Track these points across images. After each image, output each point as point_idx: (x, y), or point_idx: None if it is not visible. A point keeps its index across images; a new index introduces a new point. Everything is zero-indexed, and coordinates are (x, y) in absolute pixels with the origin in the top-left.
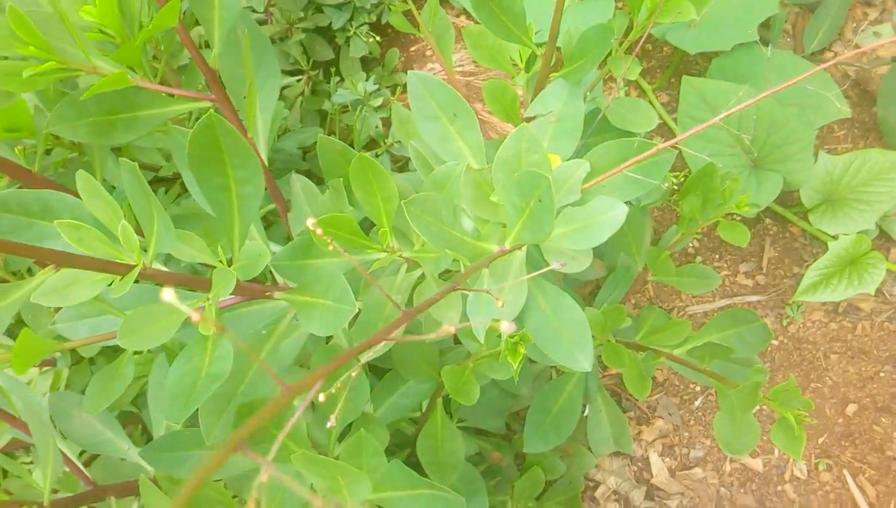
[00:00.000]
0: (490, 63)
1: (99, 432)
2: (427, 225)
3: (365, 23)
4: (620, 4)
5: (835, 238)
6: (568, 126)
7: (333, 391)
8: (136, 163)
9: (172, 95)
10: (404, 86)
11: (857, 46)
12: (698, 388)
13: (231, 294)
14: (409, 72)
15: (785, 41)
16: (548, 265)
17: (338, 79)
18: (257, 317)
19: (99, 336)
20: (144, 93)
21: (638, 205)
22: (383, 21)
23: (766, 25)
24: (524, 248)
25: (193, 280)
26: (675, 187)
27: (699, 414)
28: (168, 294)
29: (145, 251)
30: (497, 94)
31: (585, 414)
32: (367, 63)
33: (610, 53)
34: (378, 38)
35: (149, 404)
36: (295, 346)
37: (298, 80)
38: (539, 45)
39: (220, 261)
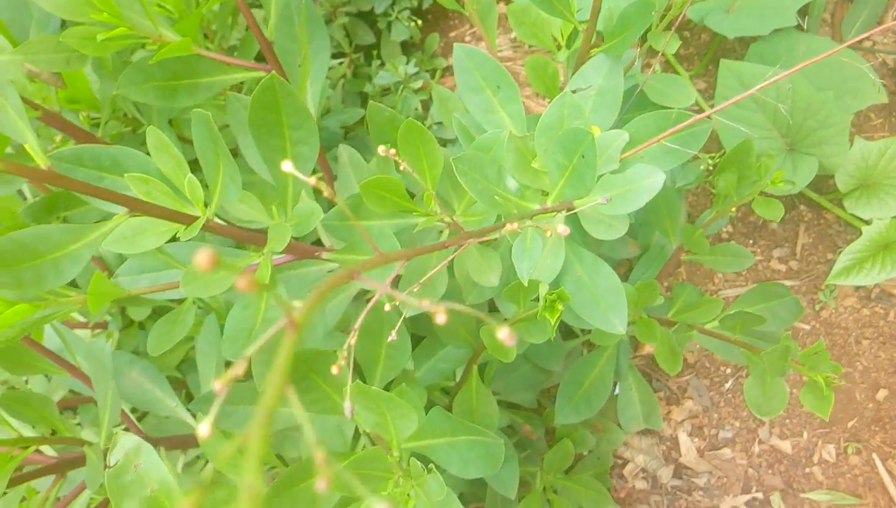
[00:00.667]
0: (532, 39)
1: (148, 390)
2: (474, 181)
3: (406, 8)
4: None
5: (869, 224)
6: (608, 99)
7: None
8: (209, 113)
9: (229, 65)
10: (444, 70)
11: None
12: (729, 370)
13: (283, 252)
14: (455, 45)
15: (823, 30)
16: (585, 234)
17: (379, 62)
18: (304, 279)
19: (160, 285)
20: (205, 62)
21: (673, 185)
22: (424, 6)
23: (804, 13)
24: (563, 212)
25: (250, 235)
26: (711, 168)
27: (729, 395)
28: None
29: (207, 205)
30: (538, 69)
31: (616, 393)
32: (407, 48)
33: (650, 29)
34: (419, 22)
35: (198, 362)
36: (339, 309)
37: (341, 63)
38: (580, 23)
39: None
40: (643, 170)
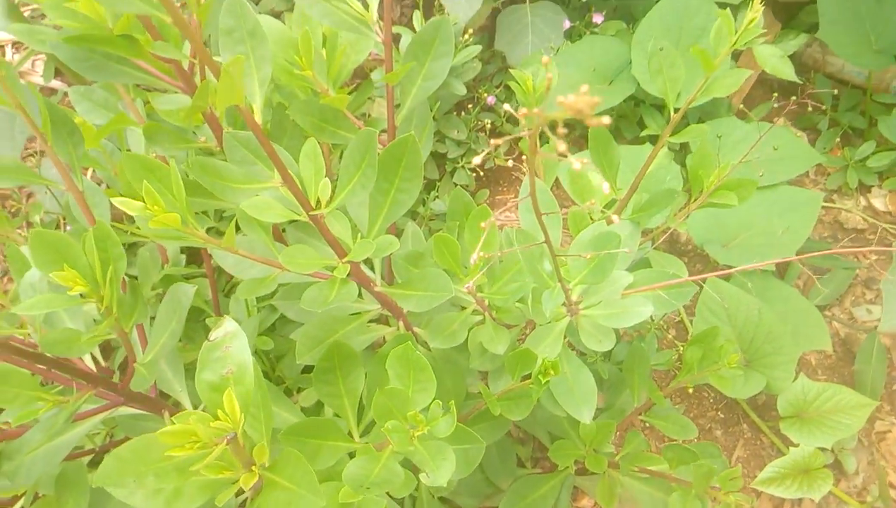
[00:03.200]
0: (578, 197)
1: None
2: (523, 252)
3: (471, 161)
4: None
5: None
6: (622, 254)
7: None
8: (375, 132)
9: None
10: None
11: (851, 314)
12: None
13: (349, 275)
14: (527, 175)
15: (796, 283)
16: (580, 340)
17: (436, 193)
18: (347, 308)
19: (259, 257)
20: (345, 120)
21: (649, 359)
22: (487, 165)
23: (783, 267)
24: (567, 318)
25: (339, 245)
26: (679, 355)
27: None
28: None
29: (329, 204)
30: (578, 220)
31: None
32: None
33: (668, 215)
34: (480, 173)
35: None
36: (363, 342)
37: None
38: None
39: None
40: (638, 300)
